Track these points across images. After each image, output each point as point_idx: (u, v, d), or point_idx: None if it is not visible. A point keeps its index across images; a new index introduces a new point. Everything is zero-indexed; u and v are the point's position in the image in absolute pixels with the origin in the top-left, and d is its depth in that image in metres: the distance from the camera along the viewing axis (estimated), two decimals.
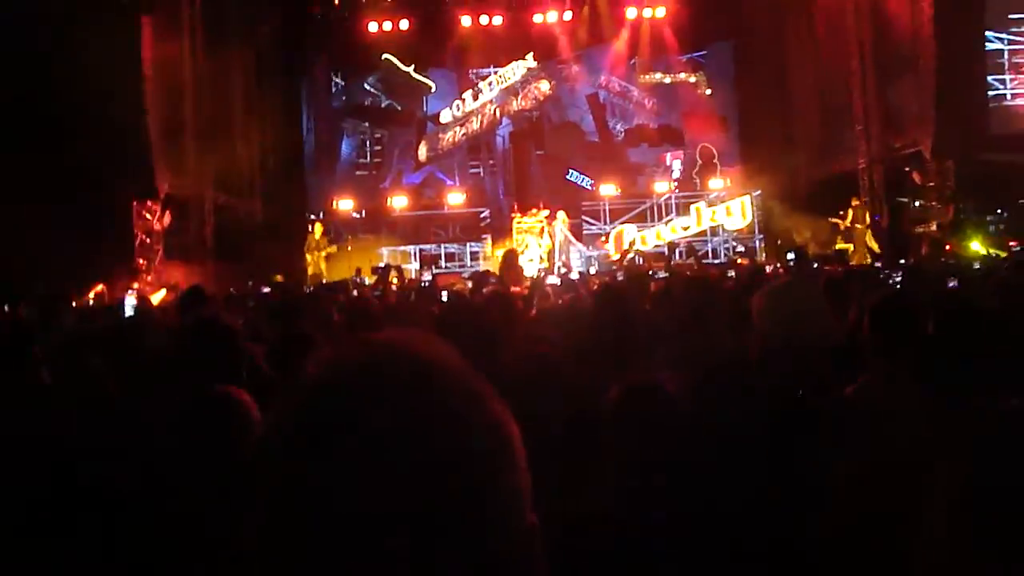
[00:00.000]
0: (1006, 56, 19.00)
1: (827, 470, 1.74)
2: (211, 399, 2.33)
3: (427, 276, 13.95)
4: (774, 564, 2.33)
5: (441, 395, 0.82)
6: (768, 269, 13.05)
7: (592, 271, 17.77)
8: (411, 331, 0.90)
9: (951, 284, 7.54)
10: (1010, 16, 18.77)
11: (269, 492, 0.81)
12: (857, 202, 18.50)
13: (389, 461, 0.78)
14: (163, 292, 11.98)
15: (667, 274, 12.91)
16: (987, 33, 18.66)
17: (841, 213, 18.50)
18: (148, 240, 15.83)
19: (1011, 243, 15.81)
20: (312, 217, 20.90)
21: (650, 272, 12.46)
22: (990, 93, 18.66)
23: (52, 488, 2.33)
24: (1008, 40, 18.97)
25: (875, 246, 18.01)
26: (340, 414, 0.80)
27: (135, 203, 15.53)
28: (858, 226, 18.41)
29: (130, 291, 5.25)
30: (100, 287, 11.98)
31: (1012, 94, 18.95)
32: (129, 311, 4.91)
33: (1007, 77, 18.96)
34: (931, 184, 17.36)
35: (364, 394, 0.81)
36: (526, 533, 0.85)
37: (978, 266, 11.91)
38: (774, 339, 2.96)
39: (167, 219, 16.04)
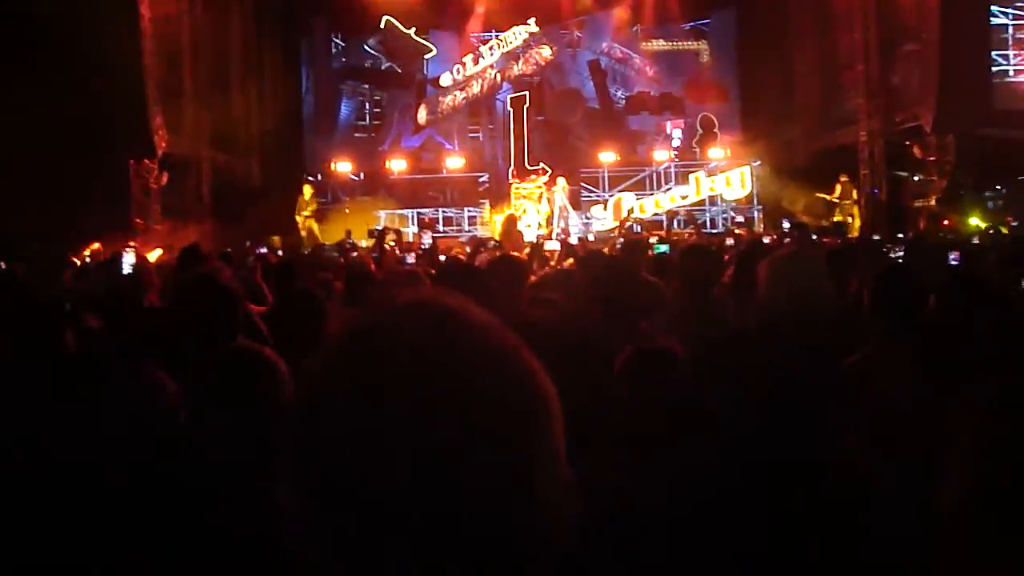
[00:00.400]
0: (1010, 32, 18.86)
1: (831, 443, 1.74)
2: (240, 358, 2.32)
3: (427, 239, 13.86)
4: (776, 539, 2.34)
5: (478, 346, 0.84)
6: (767, 240, 13.03)
7: (591, 237, 17.75)
8: (440, 289, 0.90)
9: (952, 257, 7.55)
10: None
11: (315, 445, 0.81)
12: (845, 177, 18.66)
13: (438, 409, 0.78)
14: (159, 251, 11.95)
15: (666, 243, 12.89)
16: (992, 8, 18.53)
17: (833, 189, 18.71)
18: (145, 199, 15.77)
19: (1009, 219, 15.82)
20: (308, 178, 20.80)
21: (649, 240, 12.45)
22: (993, 69, 18.57)
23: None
24: (1013, 15, 18.82)
25: (858, 221, 18.13)
26: (386, 366, 0.81)
27: (132, 162, 15.45)
28: (846, 201, 18.67)
29: (127, 249, 5.22)
30: (96, 245, 11.95)
31: (1015, 70, 18.85)
32: (127, 269, 4.89)
33: (1010, 53, 18.84)
34: (931, 158, 17.33)
35: (406, 347, 0.82)
36: (566, 485, 0.85)
37: (977, 241, 11.90)
38: (777, 309, 2.95)
39: (164, 178, 15.98)
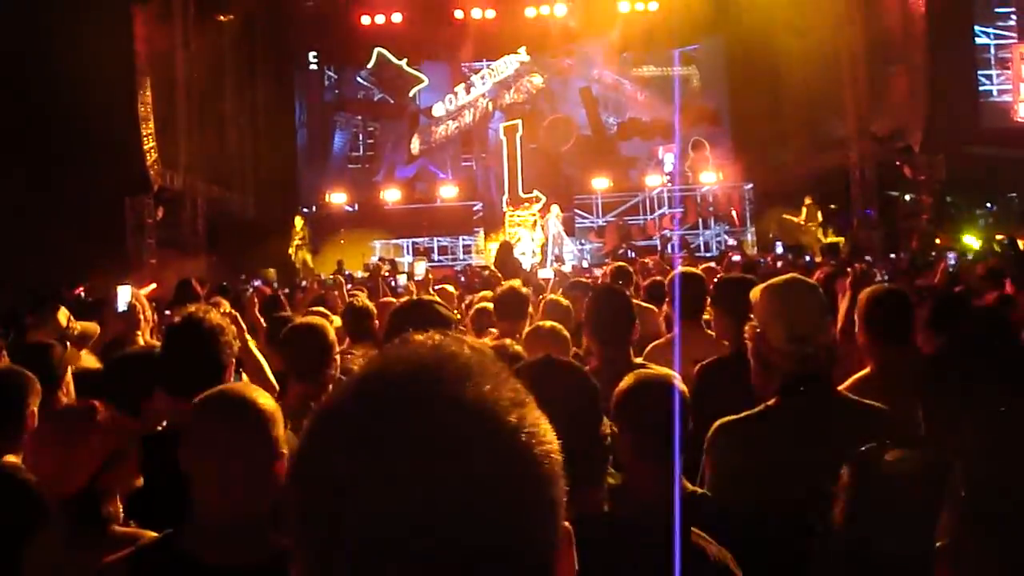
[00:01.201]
0: (992, 51, 19.00)
1: (830, 471, 1.77)
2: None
3: (420, 269, 13.85)
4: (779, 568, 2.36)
5: (473, 409, 0.82)
6: (761, 262, 13.09)
7: (584, 264, 17.79)
8: (443, 339, 0.89)
9: (951, 260, 7.68)
10: (996, 10, 18.77)
11: (310, 498, 0.82)
12: (809, 200, 18.87)
13: (430, 473, 0.78)
14: (153, 285, 11.93)
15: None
16: (975, 28, 18.71)
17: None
18: (140, 234, 15.79)
19: (998, 236, 15.89)
20: (303, 210, 20.86)
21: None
22: (979, 89, 18.74)
23: None
24: (994, 35, 18.98)
25: (822, 240, 18.29)
26: (382, 423, 0.81)
27: (127, 197, 15.49)
28: (810, 224, 18.93)
29: (122, 284, 5.22)
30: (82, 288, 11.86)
31: (998, 90, 18.98)
32: (122, 306, 4.90)
33: (993, 72, 18.98)
34: (921, 178, 17.44)
35: (403, 406, 0.82)
36: (559, 541, 0.85)
37: (970, 257, 11.98)
38: (772, 334, 2.96)
39: (159, 213, 16.02)
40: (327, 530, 0.79)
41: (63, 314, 4.60)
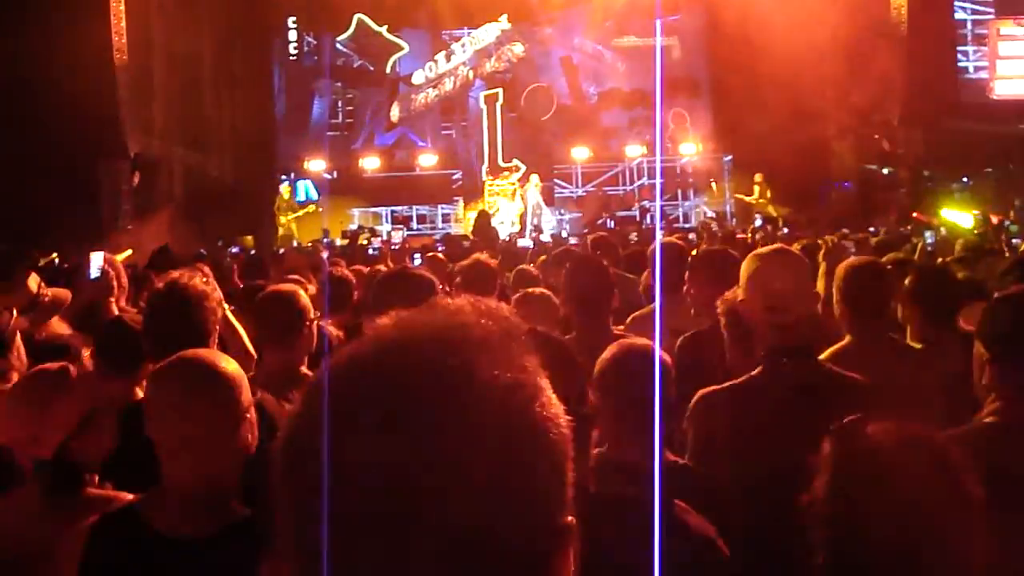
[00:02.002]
0: (969, 27, 19.01)
1: (811, 442, 1.76)
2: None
3: (397, 237, 13.85)
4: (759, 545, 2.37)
5: (475, 392, 0.79)
6: (740, 235, 13.12)
7: (564, 234, 17.77)
8: (457, 307, 0.87)
9: (928, 240, 7.73)
10: None
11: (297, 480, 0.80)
12: (760, 177, 18.96)
13: (419, 452, 0.76)
14: (128, 252, 11.80)
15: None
16: (953, 3, 18.75)
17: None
18: (115, 199, 15.63)
19: (975, 212, 16.00)
20: (283, 178, 20.70)
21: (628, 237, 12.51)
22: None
23: None
24: (971, 10, 18.98)
25: (773, 214, 18.42)
26: (370, 404, 0.79)
27: (103, 162, 15.31)
28: (761, 200, 19.20)
29: (96, 251, 5.13)
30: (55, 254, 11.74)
31: (975, 66, 19.02)
32: (95, 272, 4.83)
33: (970, 48, 19.00)
34: (899, 151, 17.51)
35: (397, 385, 0.79)
36: (556, 534, 0.83)
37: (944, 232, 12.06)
38: (757, 305, 2.96)
39: (136, 178, 15.84)
40: (330, 506, 0.76)
41: (33, 280, 4.53)
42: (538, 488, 0.81)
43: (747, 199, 19.23)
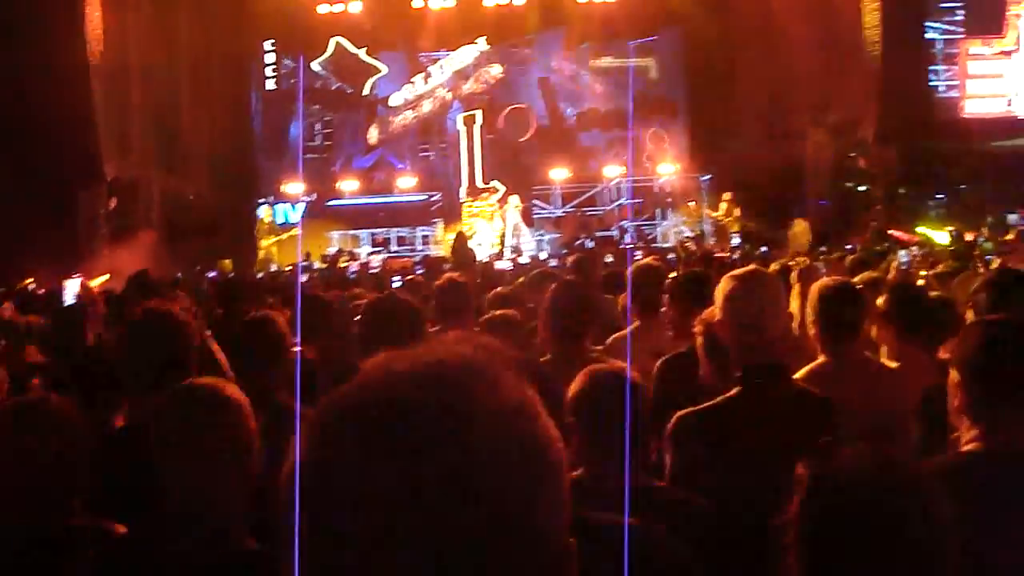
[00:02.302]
0: (939, 46, 19.21)
1: (787, 463, 1.77)
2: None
3: (375, 261, 13.86)
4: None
5: (478, 422, 0.83)
6: (718, 254, 13.18)
7: (543, 256, 17.80)
8: (450, 346, 0.92)
9: (903, 259, 7.80)
10: (942, 5, 18.97)
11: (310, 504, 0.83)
12: (728, 196, 19.09)
13: (426, 484, 0.80)
14: (106, 276, 11.74)
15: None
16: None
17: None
18: (92, 223, 15.52)
19: (948, 228, 16.16)
20: (262, 201, 20.65)
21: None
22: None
23: None
24: (942, 30, 19.19)
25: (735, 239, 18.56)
26: (386, 432, 0.82)
27: (80, 185, 15.20)
28: (729, 219, 19.27)
29: (72, 277, 5.08)
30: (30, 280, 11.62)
31: (946, 85, 19.20)
32: (70, 298, 4.80)
33: (940, 68, 19.19)
34: (875, 170, 17.68)
35: (419, 415, 0.83)
36: (559, 556, 0.86)
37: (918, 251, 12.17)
38: (733, 325, 2.99)
39: (112, 202, 15.74)
40: (336, 537, 0.80)
41: (6, 308, 4.51)
42: (542, 507, 0.84)
43: (714, 215, 19.41)
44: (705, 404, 2.97)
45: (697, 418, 2.95)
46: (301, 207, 21.22)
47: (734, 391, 2.92)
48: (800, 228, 17.31)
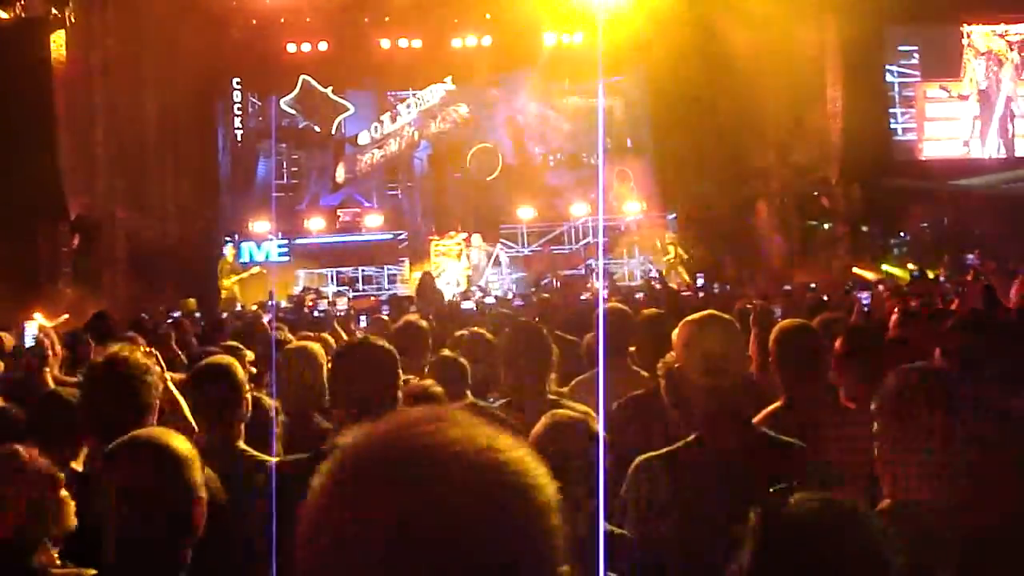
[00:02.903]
0: (896, 89, 19.50)
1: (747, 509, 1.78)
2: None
3: (342, 301, 13.80)
4: None
5: (463, 482, 0.92)
6: (685, 293, 13.28)
7: (510, 295, 17.82)
8: (428, 412, 1.01)
9: (864, 299, 7.89)
10: (900, 48, 19.29)
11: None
12: (672, 237, 19.82)
13: (421, 550, 0.89)
14: (65, 316, 11.56)
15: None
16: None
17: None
18: (54, 262, 15.33)
19: (910, 265, 16.39)
20: (226, 240, 20.53)
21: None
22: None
23: None
24: (898, 72, 19.48)
25: (686, 279, 18.78)
26: (367, 506, 0.92)
27: (42, 223, 15.04)
28: (673, 260, 20.15)
29: (31, 318, 4.99)
30: None
31: (903, 128, 19.48)
32: (30, 340, 4.74)
33: (898, 111, 19.46)
34: (838, 208, 17.92)
35: (392, 489, 0.92)
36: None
37: (882, 288, 12.31)
38: (693, 369, 3.00)
39: (75, 240, 15.56)
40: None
41: None
42: (528, 537, 0.94)
43: (664, 259, 19.92)
44: (666, 449, 2.97)
45: (658, 463, 2.94)
46: (273, 245, 21.11)
47: (693, 436, 2.93)
48: None
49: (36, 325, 4.89)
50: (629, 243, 22.09)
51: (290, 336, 6.62)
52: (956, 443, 2.25)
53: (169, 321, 10.48)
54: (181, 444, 2.26)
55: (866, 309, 7.23)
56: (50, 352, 4.87)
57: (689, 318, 3.10)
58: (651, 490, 2.91)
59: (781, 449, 3.01)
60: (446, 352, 4.48)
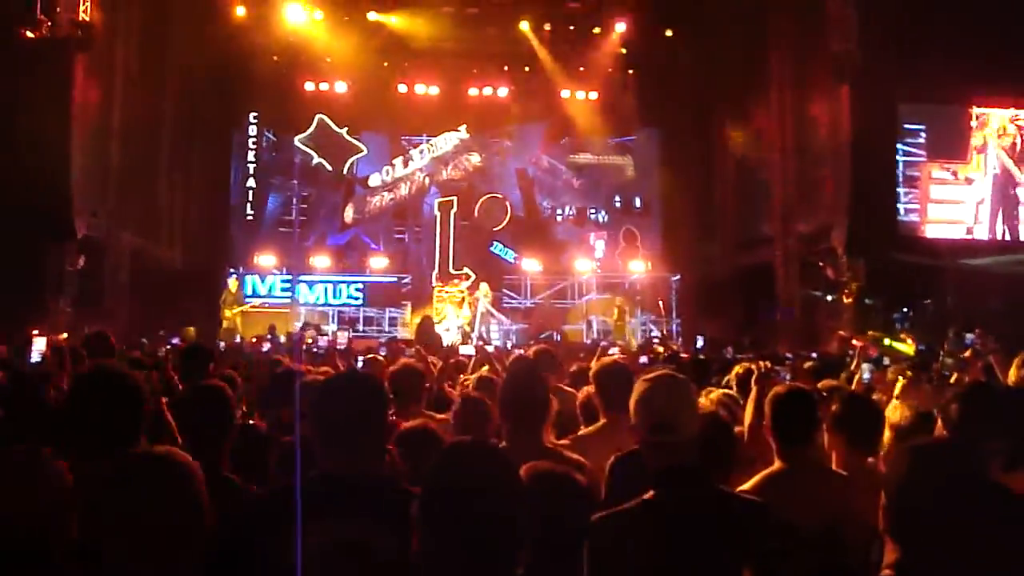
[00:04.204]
0: (901, 167, 19.29)
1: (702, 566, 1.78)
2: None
3: (343, 338, 13.79)
4: None
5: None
6: (685, 355, 13.23)
7: (509, 345, 17.80)
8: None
9: (865, 376, 7.88)
10: (905, 126, 19.17)
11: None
12: (620, 300, 20.48)
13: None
14: (64, 335, 11.57)
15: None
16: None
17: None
18: (59, 282, 15.34)
19: (908, 338, 16.33)
20: (231, 271, 20.58)
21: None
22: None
23: None
24: (903, 151, 19.26)
25: (633, 344, 18.64)
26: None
27: (49, 242, 15.08)
28: (619, 323, 20.42)
29: (35, 336, 5.00)
30: None
31: (906, 208, 19.28)
32: (36, 357, 4.75)
33: (901, 190, 19.22)
34: (843, 280, 17.92)
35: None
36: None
37: (887, 362, 12.27)
38: (644, 427, 3.00)
39: (81, 261, 15.59)
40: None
41: None
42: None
43: (609, 321, 20.40)
44: (622, 506, 2.93)
45: (612, 521, 2.90)
46: (280, 280, 21.20)
47: (649, 494, 2.90)
48: None
49: (44, 341, 4.89)
50: (581, 306, 22.18)
51: (292, 367, 6.61)
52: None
53: (168, 347, 10.47)
54: (184, 460, 2.25)
55: (867, 383, 7.21)
56: (58, 367, 4.88)
57: (644, 376, 3.11)
58: (605, 549, 2.87)
59: (751, 510, 2.97)
60: (471, 392, 4.48)
